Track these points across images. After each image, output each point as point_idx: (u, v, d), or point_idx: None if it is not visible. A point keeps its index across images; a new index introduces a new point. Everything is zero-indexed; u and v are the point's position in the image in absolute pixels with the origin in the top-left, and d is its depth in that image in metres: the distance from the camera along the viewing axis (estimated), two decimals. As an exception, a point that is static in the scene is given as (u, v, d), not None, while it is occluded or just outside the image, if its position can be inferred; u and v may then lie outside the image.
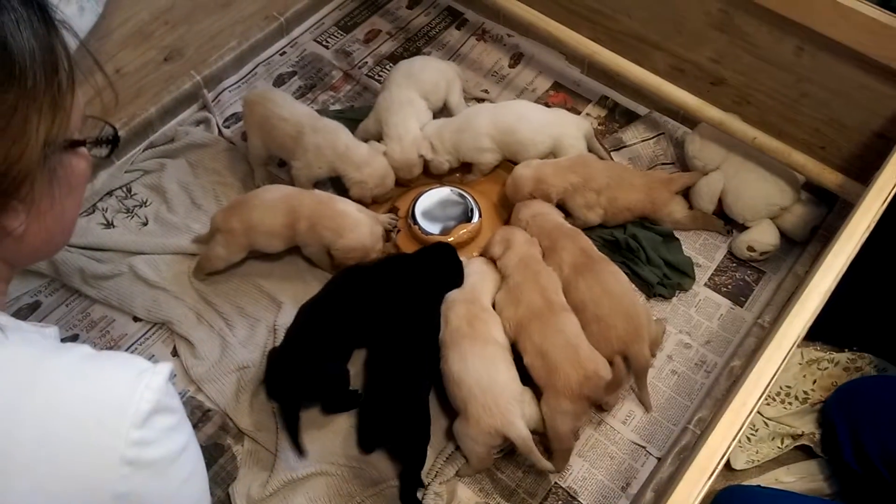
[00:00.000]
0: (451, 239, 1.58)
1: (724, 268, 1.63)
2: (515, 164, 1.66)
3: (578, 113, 1.84)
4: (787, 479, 1.45)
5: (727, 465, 1.42)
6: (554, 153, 1.66)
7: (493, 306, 1.44)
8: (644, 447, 1.40)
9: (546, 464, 1.27)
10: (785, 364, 1.17)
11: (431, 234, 1.58)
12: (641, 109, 1.85)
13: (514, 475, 1.35)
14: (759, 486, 1.41)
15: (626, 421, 1.43)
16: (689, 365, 1.50)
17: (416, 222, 1.59)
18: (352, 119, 1.75)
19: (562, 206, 1.62)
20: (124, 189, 1.71)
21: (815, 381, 1.54)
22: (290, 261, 1.59)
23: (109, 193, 1.70)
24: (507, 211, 1.64)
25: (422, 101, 1.71)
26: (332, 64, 1.95)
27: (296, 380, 1.34)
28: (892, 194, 1.22)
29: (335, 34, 2.01)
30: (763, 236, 1.59)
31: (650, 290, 1.56)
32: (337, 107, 1.87)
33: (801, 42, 1.51)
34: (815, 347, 1.58)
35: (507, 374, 1.30)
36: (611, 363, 1.32)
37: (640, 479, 1.37)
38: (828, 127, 1.59)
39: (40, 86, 0.66)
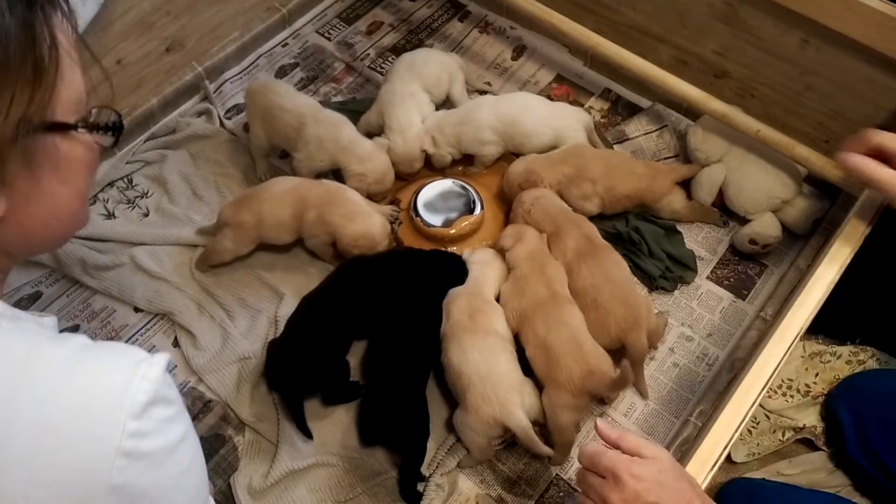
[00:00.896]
0: (453, 231, 1.57)
1: (726, 261, 1.62)
2: (518, 156, 1.66)
3: (581, 106, 1.84)
4: (789, 471, 1.45)
5: (728, 457, 1.42)
6: (556, 146, 1.66)
7: (498, 298, 1.44)
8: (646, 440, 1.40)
9: (546, 449, 1.26)
10: (787, 357, 1.18)
11: (433, 227, 1.57)
12: (644, 102, 1.84)
13: (515, 466, 1.35)
14: (763, 479, 1.41)
15: (628, 413, 1.43)
16: (690, 357, 1.50)
17: (417, 214, 1.58)
18: (353, 111, 1.75)
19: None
20: (125, 180, 1.71)
21: (817, 374, 1.54)
22: (292, 252, 1.59)
23: (111, 184, 1.70)
24: (508, 204, 1.63)
25: (424, 94, 1.70)
26: (335, 56, 1.94)
27: (296, 370, 1.34)
28: (895, 187, 1.21)
29: (337, 26, 2.01)
30: (765, 229, 1.58)
31: (652, 283, 1.56)
32: (339, 98, 1.86)
33: (806, 35, 1.50)
34: (818, 340, 1.58)
35: (507, 364, 1.30)
36: (609, 352, 1.32)
37: (642, 471, 1.37)
38: (832, 121, 1.59)
39: (14, 62, 0.65)
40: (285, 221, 1.50)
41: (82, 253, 1.56)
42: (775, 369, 1.17)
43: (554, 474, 1.35)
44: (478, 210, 1.60)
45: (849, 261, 1.28)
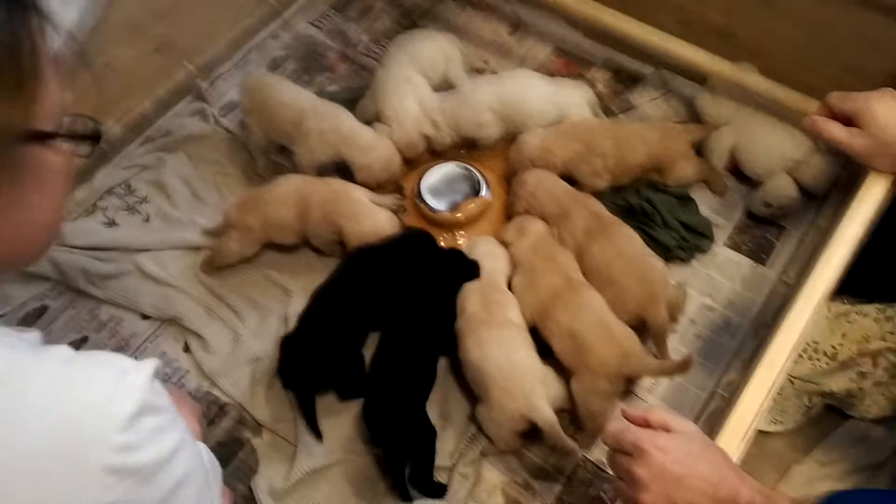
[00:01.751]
0: (461, 215, 1.53)
1: (743, 226, 1.58)
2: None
3: (583, 77, 1.79)
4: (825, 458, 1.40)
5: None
6: (559, 123, 1.61)
7: (509, 287, 1.40)
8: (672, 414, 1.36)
9: (572, 444, 1.23)
10: (812, 319, 1.13)
11: (440, 212, 1.54)
12: (648, 69, 1.79)
13: (539, 452, 1.32)
14: (860, 489, 1.35)
15: (652, 389, 1.39)
16: (713, 328, 1.45)
17: (422, 200, 1.55)
18: (349, 100, 1.70)
19: (566, 177, 1.56)
20: (124, 186, 1.68)
21: (843, 335, 1.49)
22: (298, 249, 1.56)
23: (109, 191, 1.66)
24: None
25: (421, 79, 1.66)
26: (327, 45, 1.90)
27: (310, 365, 1.31)
28: (918, 137, 1.17)
29: (328, 14, 1.96)
30: (779, 190, 1.53)
31: (668, 254, 1.52)
32: (334, 88, 1.82)
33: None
34: (843, 301, 1.53)
35: (527, 355, 1.26)
36: (632, 329, 1.29)
37: (670, 447, 1.33)
38: (847, 74, 1.52)
39: None
40: (289, 223, 1.47)
41: (85, 263, 1.53)
42: (802, 333, 1.13)
43: (580, 456, 1.32)
44: (484, 191, 1.56)
45: (871, 217, 1.24)
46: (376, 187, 1.58)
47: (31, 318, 1.50)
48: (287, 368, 1.34)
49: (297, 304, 1.45)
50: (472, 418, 1.31)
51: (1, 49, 0.63)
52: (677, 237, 1.53)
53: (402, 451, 1.23)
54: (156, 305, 1.50)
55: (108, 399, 0.59)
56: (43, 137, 0.68)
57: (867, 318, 1.49)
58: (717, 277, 1.51)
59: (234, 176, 1.68)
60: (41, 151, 0.69)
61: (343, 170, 1.61)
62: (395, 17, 1.95)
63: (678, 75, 1.74)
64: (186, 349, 1.47)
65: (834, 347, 1.49)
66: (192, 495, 0.68)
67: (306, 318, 1.37)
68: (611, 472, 1.27)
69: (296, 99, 1.57)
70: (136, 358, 1.42)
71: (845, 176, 1.55)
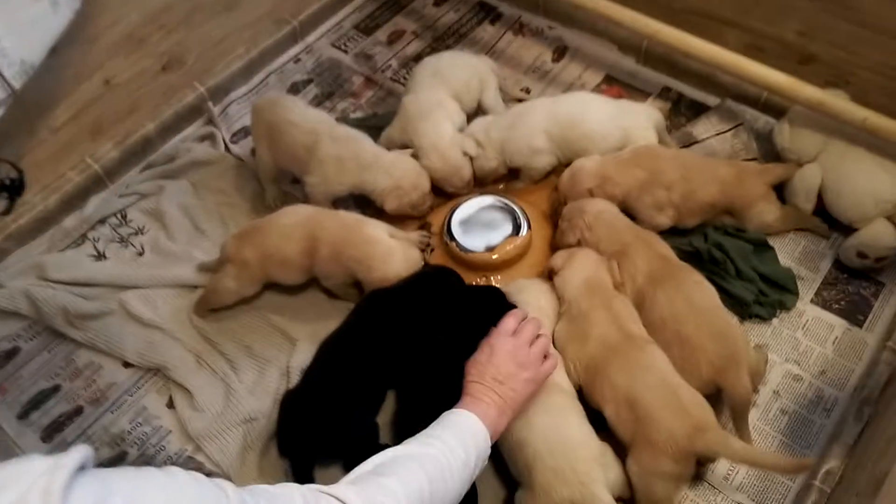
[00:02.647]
0: (496, 256, 1.31)
1: (832, 280, 1.33)
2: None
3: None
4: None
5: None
6: (622, 149, 1.40)
7: (553, 342, 1.16)
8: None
9: None
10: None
11: (471, 252, 1.32)
12: (711, 100, 1.58)
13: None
14: None
15: (729, 477, 1.13)
16: (801, 402, 1.20)
17: (452, 238, 1.33)
18: (375, 127, 1.52)
19: (624, 210, 1.34)
20: (119, 216, 1.50)
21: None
22: (307, 291, 1.35)
23: (102, 221, 1.49)
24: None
25: (453, 103, 1.47)
26: (352, 69, 1.73)
27: (313, 431, 1.09)
28: None
29: (355, 37, 1.80)
30: (876, 239, 1.29)
31: (745, 311, 1.27)
32: (358, 114, 1.64)
33: (917, -2, 1.23)
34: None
35: (580, 429, 1.03)
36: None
37: (755, 553, 1.07)
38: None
39: None
40: (294, 259, 1.27)
41: (65, 300, 1.34)
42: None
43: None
44: (524, 230, 1.34)
45: None
46: (409, 213, 1.38)
47: (0, 361, 1.31)
48: (285, 432, 1.11)
49: (303, 355, 1.24)
50: (509, 504, 1.07)
51: None
52: (755, 290, 1.28)
53: None
54: (140, 352, 1.30)
55: None
56: None
57: None
58: (805, 341, 1.26)
59: (240, 207, 1.49)
60: None
61: (362, 205, 1.41)
62: (427, 41, 1.77)
63: (749, 107, 1.52)
64: (171, 405, 1.26)
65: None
66: None
67: (311, 373, 1.15)
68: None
69: (309, 120, 1.38)
70: (112, 413, 1.26)
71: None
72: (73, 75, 1.39)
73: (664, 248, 1.22)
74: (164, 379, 1.28)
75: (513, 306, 1.17)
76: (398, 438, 1.10)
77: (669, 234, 1.34)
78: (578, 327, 1.14)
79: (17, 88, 1.15)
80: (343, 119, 1.59)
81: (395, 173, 1.34)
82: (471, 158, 1.40)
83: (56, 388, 1.29)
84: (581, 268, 1.20)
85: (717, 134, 1.51)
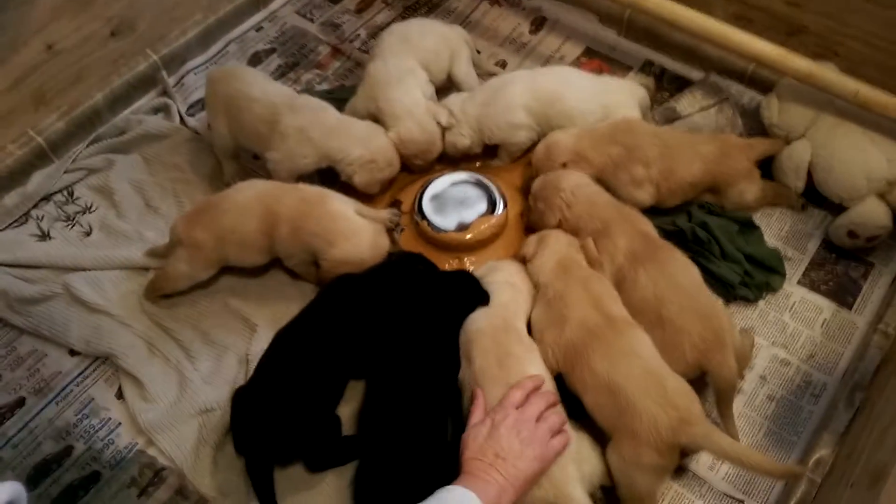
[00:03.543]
0: (470, 236, 1.24)
1: (820, 260, 1.28)
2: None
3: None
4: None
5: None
6: None
7: (528, 327, 1.10)
8: (742, 501, 1.05)
9: None
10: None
11: (444, 231, 1.24)
12: (696, 74, 1.51)
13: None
14: None
15: (714, 466, 1.07)
16: (789, 387, 1.15)
17: (424, 217, 1.25)
18: (341, 99, 1.42)
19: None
20: (65, 192, 1.39)
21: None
22: (268, 273, 1.27)
23: (46, 198, 1.39)
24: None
25: (422, 72, 1.38)
26: (318, 39, 1.63)
27: (269, 427, 1.01)
28: None
29: (321, 5, 1.70)
30: (867, 217, 1.24)
31: (730, 292, 1.22)
32: (324, 86, 1.55)
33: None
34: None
35: None
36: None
37: (742, 546, 1.02)
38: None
39: None
40: (252, 239, 1.18)
41: (6, 283, 1.24)
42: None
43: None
44: (500, 208, 1.27)
45: None
46: (375, 190, 1.30)
47: (-70, 351, 1.21)
48: (239, 430, 1.03)
49: (263, 342, 1.15)
50: None
51: None
52: (740, 271, 1.23)
53: None
54: (87, 339, 1.20)
55: None
56: None
57: None
58: (792, 323, 1.21)
59: (195, 184, 1.39)
60: None
61: (327, 182, 1.32)
62: (398, 10, 1.68)
63: (735, 82, 1.46)
64: (120, 395, 1.17)
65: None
66: None
67: (266, 363, 1.06)
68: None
69: (269, 94, 1.29)
70: (57, 404, 1.17)
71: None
72: (10, 39, 1.28)
73: (646, 226, 1.16)
74: (113, 368, 1.19)
75: (485, 293, 1.10)
76: (364, 431, 1.03)
77: (651, 213, 1.27)
78: (556, 311, 1.07)
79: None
80: (308, 91, 1.49)
81: (371, 145, 1.26)
82: (442, 132, 1.32)
83: (-6, 380, 1.19)
84: (553, 250, 1.13)
85: (702, 109, 1.44)
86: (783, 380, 1.15)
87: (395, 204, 1.32)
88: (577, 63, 1.57)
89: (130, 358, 1.18)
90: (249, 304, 1.23)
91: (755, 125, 1.38)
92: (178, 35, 1.54)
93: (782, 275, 1.25)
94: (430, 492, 0.84)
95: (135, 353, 1.19)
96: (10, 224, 1.35)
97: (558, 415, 0.96)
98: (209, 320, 1.22)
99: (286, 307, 1.19)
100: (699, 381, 1.05)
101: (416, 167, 1.34)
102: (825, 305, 1.23)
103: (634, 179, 1.24)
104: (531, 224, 1.25)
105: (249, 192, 1.20)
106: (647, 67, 1.55)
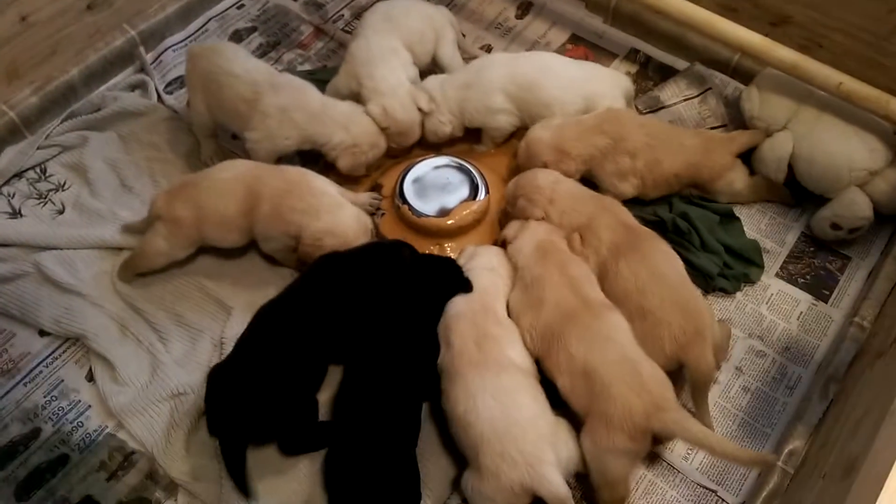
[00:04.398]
0: (451, 221, 1.23)
1: (798, 253, 1.28)
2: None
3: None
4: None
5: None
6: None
7: (508, 311, 1.09)
8: (715, 491, 1.05)
9: None
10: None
11: (425, 216, 1.23)
12: (681, 63, 1.51)
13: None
14: None
15: (688, 456, 1.08)
16: (764, 379, 1.15)
17: (405, 201, 1.24)
18: (324, 80, 1.40)
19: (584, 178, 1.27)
20: (37, 169, 1.36)
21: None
22: (245, 256, 1.25)
23: (18, 175, 1.36)
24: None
25: (406, 53, 1.36)
26: (301, 18, 1.61)
27: (244, 409, 0.99)
28: None
29: (305, -17, 1.67)
30: (850, 209, 1.24)
31: (709, 283, 1.22)
32: (306, 67, 1.52)
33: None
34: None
35: (531, 408, 0.95)
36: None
37: (714, 536, 1.03)
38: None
39: None
40: (231, 218, 1.16)
41: (-27, 262, 1.21)
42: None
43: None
44: (482, 194, 1.25)
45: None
46: (360, 172, 1.29)
47: None
48: (213, 409, 1.01)
49: (238, 325, 1.13)
50: (457, 486, 1.00)
51: None
52: (719, 263, 1.23)
53: None
54: (57, 319, 1.18)
55: None
56: None
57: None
58: (769, 315, 1.21)
59: (173, 163, 1.36)
60: None
61: (308, 162, 1.30)
62: (383, -9, 1.65)
63: (719, 72, 1.45)
64: (91, 377, 1.14)
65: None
66: None
67: (245, 343, 1.05)
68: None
69: (250, 71, 1.26)
70: (25, 385, 1.15)
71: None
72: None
73: (627, 217, 1.16)
74: (84, 349, 1.17)
75: (468, 281, 1.09)
76: (339, 417, 1.02)
77: (634, 204, 1.27)
78: (533, 294, 1.07)
79: None
80: (290, 71, 1.47)
81: (354, 129, 1.24)
82: (422, 117, 1.30)
83: (-39, 359, 1.16)
84: (533, 234, 1.13)
85: (685, 100, 1.44)
86: (759, 371, 1.16)
87: (376, 188, 1.30)
88: (562, 49, 1.55)
89: (102, 339, 1.16)
90: (225, 287, 1.21)
91: (739, 115, 1.37)
92: (157, 10, 1.51)
93: (760, 266, 1.25)
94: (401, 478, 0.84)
95: (106, 335, 1.16)
96: (-20, 201, 1.32)
97: None
98: (184, 302, 1.20)
99: (262, 291, 1.17)
100: (675, 370, 1.05)
101: (392, 150, 1.32)
102: (802, 298, 1.23)
103: (620, 170, 1.23)
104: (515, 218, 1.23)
105: (232, 172, 1.18)
106: (632, 55, 1.54)
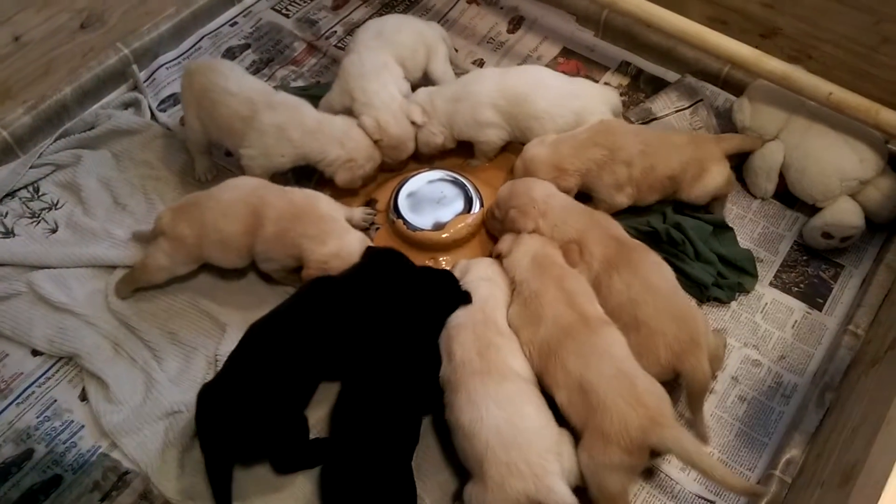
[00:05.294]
0: (446, 235, 1.23)
1: (791, 262, 1.29)
2: (524, 144, 1.31)
3: (595, 82, 1.50)
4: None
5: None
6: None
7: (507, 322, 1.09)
8: (713, 502, 1.05)
9: None
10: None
11: (420, 230, 1.23)
12: (671, 75, 1.52)
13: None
14: None
15: (686, 467, 1.07)
16: (760, 388, 1.15)
17: (399, 216, 1.24)
18: (317, 97, 1.40)
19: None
20: (30, 188, 1.36)
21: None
22: (239, 273, 1.24)
23: (11, 194, 1.35)
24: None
25: (398, 68, 1.36)
26: (294, 34, 1.61)
27: (232, 423, 0.98)
28: None
29: (297, 1, 1.68)
30: (842, 217, 1.25)
31: (703, 293, 1.22)
32: (299, 83, 1.53)
33: (884, -31, 1.19)
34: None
35: (536, 418, 0.95)
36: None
37: (713, 547, 1.02)
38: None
39: None
40: (233, 238, 1.15)
41: (-34, 282, 1.20)
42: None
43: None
44: (476, 208, 1.26)
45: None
46: (357, 185, 1.29)
47: None
48: (202, 426, 1.01)
49: (232, 343, 1.11)
50: (459, 499, 0.99)
51: None
52: (713, 272, 1.23)
53: None
54: (50, 338, 1.17)
55: None
56: None
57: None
58: (764, 324, 1.21)
59: (166, 180, 1.36)
60: None
61: (300, 177, 1.31)
62: (375, 8, 1.67)
63: (709, 84, 1.46)
64: (84, 397, 1.14)
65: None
66: None
67: (235, 359, 1.04)
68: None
69: (245, 89, 1.26)
70: (18, 406, 1.14)
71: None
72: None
73: (618, 230, 1.16)
74: (77, 368, 1.16)
75: (467, 294, 1.09)
76: (334, 433, 1.01)
77: (627, 212, 1.27)
78: (531, 310, 1.07)
79: None
80: (283, 88, 1.48)
81: (349, 144, 1.24)
82: (415, 129, 1.31)
83: (-47, 380, 1.15)
84: (527, 246, 1.13)
85: (677, 111, 1.45)
86: (754, 380, 1.16)
87: (371, 203, 1.30)
88: (554, 63, 1.56)
89: (95, 358, 1.15)
90: (219, 304, 1.21)
91: (729, 126, 1.38)
92: (150, 29, 1.51)
93: (754, 276, 1.25)
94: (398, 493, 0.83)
95: (100, 354, 1.16)
96: (-28, 221, 1.31)
97: None
98: (177, 320, 1.20)
99: (257, 308, 1.16)
100: (671, 380, 1.05)
101: (386, 165, 1.32)
102: (796, 307, 1.23)
103: (617, 181, 1.23)
104: (498, 231, 1.23)
105: (236, 193, 1.18)
106: (623, 68, 1.55)
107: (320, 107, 1.35)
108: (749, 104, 1.34)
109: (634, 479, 0.99)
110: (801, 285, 1.26)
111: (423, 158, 1.36)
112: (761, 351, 1.19)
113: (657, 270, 1.11)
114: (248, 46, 1.59)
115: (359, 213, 1.26)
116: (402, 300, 1.10)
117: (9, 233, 1.30)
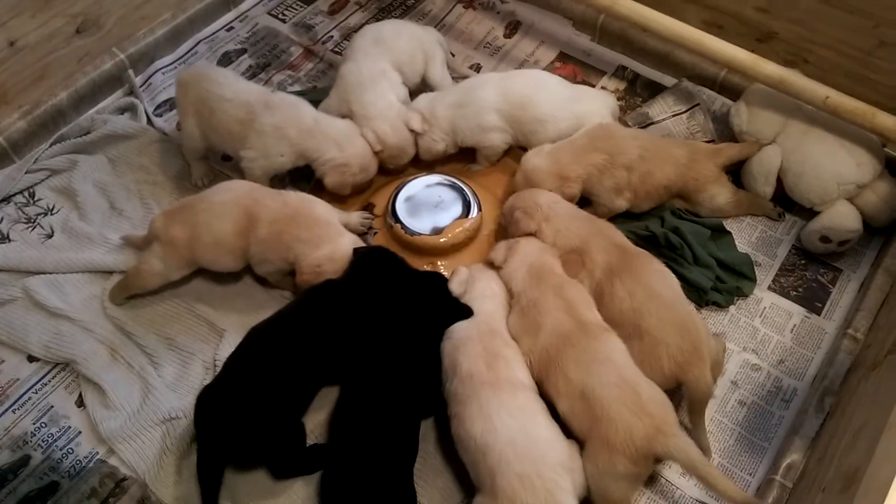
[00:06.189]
0: (444, 239, 1.22)
1: (790, 266, 1.29)
2: (526, 150, 1.30)
3: (591, 87, 1.51)
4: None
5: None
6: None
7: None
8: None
9: None
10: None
11: (419, 234, 1.22)
12: (668, 80, 1.52)
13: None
14: None
15: (686, 472, 1.07)
16: (760, 393, 1.15)
17: (398, 220, 1.24)
18: (314, 101, 1.39)
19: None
20: (26, 193, 1.36)
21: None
22: (237, 278, 1.24)
23: (7, 199, 1.35)
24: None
25: (396, 74, 1.36)
26: (291, 39, 1.61)
27: (227, 427, 0.98)
28: None
29: (294, 5, 1.68)
30: (840, 221, 1.25)
31: (702, 297, 1.22)
32: (296, 88, 1.53)
33: (880, -26, 1.19)
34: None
35: (548, 429, 0.94)
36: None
37: (714, 551, 1.01)
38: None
39: None
40: (226, 240, 1.15)
41: (-39, 287, 1.19)
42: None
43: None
44: (474, 212, 1.25)
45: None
46: (345, 192, 1.28)
47: None
48: (199, 430, 1.00)
49: (230, 348, 1.11)
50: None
51: None
52: (712, 277, 1.23)
53: None
54: (46, 344, 1.17)
55: None
56: None
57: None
58: (763, 329, 1.21)
59: (163, 186, 1.36)
60: None
61: (296, 179, 1.30)
62: (372, 12, 1.67)
63: (706, 88, 1.47)
64: (81, 403, 1.13)
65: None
66: None
67: (234, 362, 1.04)
68: None
69: (241, 93, 1.26)
70: (14, 412, 1.13)
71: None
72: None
73: (620, 238, 1.16)
74: (74, 374, 1.16)
75: (468, 308, 1.08)
76: (332, 439, 1.01)
77: (625, 218, 1.27)
78: (530, 319, 1.06)
79: None
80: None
81: (348, 149, 1.24)
82: (415, 136, 1.30)
83: (-52, 387, 1.14)
84: (523, 256, 1.12)
85: (674, 115, 1.45)
86: (754, 385, 1.16)
87: (368, 207, 1.30)
88: (551, 67, 1.56)
89: (92, 364, 1.14)
90: (217, 309, 1.20)
91: (726, 130, 1.38)
92: (146, 34, 1.51)
93: (753, 280, 1.25)
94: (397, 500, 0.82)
95: (96, 359, 1.15)
96: (-32, 226, 1.31)
97: None
98: (174, 325, 1.19)
99: (255, 313, 1.16)
100: (673, 388, 1.05)
101: (388, 169, 1.32)
102: (795, 311, 1.23)
103: (617, 185, 1.23)
104: (510, 234, 1.22)
105: (228, 195, 1.17)
106: (620, 72, 1.55)
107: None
108: (746, 108, 1.34)
109: (638, 487, 0.98)
110: (800, 289, 1.26)
111: (423, 163, 1.35)
112: (760, 355, 1.19)
113: (660, 278, 1.10)
114: (244, 51, 1.58)
115: (356, 217, 1.25)
116: (395, 298, 1.09)
117: (4, 238, 1.29)
